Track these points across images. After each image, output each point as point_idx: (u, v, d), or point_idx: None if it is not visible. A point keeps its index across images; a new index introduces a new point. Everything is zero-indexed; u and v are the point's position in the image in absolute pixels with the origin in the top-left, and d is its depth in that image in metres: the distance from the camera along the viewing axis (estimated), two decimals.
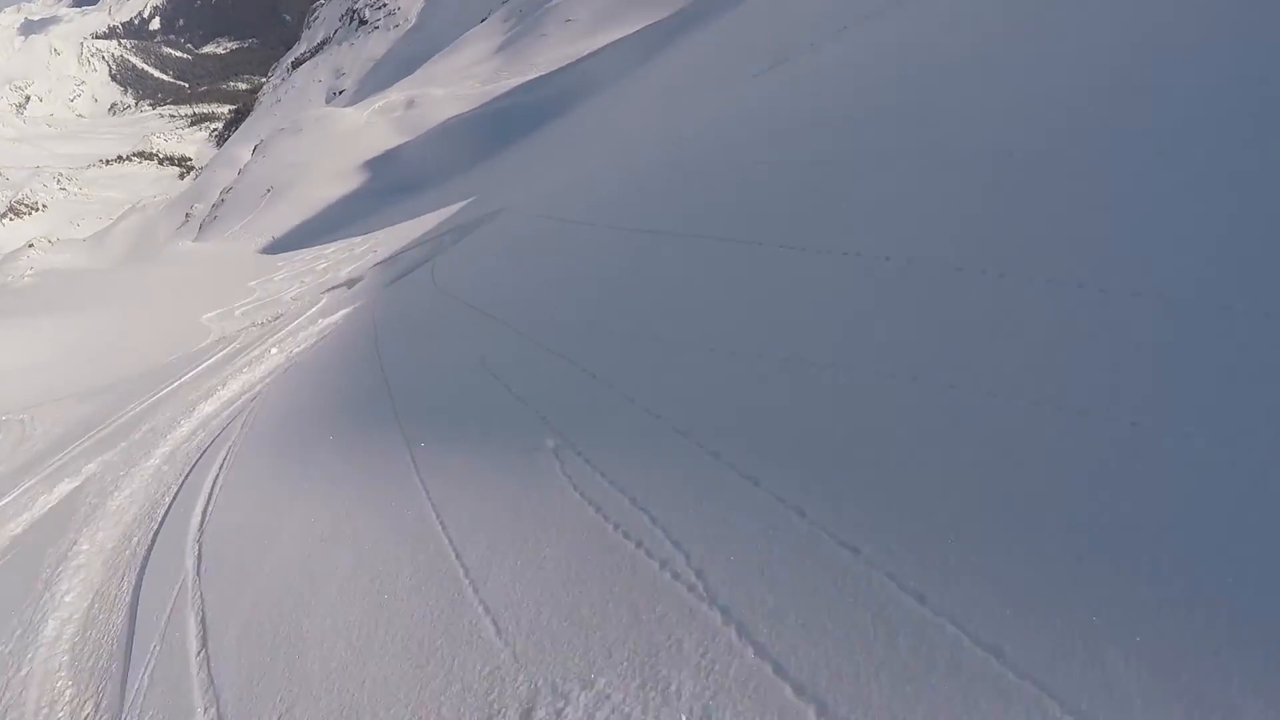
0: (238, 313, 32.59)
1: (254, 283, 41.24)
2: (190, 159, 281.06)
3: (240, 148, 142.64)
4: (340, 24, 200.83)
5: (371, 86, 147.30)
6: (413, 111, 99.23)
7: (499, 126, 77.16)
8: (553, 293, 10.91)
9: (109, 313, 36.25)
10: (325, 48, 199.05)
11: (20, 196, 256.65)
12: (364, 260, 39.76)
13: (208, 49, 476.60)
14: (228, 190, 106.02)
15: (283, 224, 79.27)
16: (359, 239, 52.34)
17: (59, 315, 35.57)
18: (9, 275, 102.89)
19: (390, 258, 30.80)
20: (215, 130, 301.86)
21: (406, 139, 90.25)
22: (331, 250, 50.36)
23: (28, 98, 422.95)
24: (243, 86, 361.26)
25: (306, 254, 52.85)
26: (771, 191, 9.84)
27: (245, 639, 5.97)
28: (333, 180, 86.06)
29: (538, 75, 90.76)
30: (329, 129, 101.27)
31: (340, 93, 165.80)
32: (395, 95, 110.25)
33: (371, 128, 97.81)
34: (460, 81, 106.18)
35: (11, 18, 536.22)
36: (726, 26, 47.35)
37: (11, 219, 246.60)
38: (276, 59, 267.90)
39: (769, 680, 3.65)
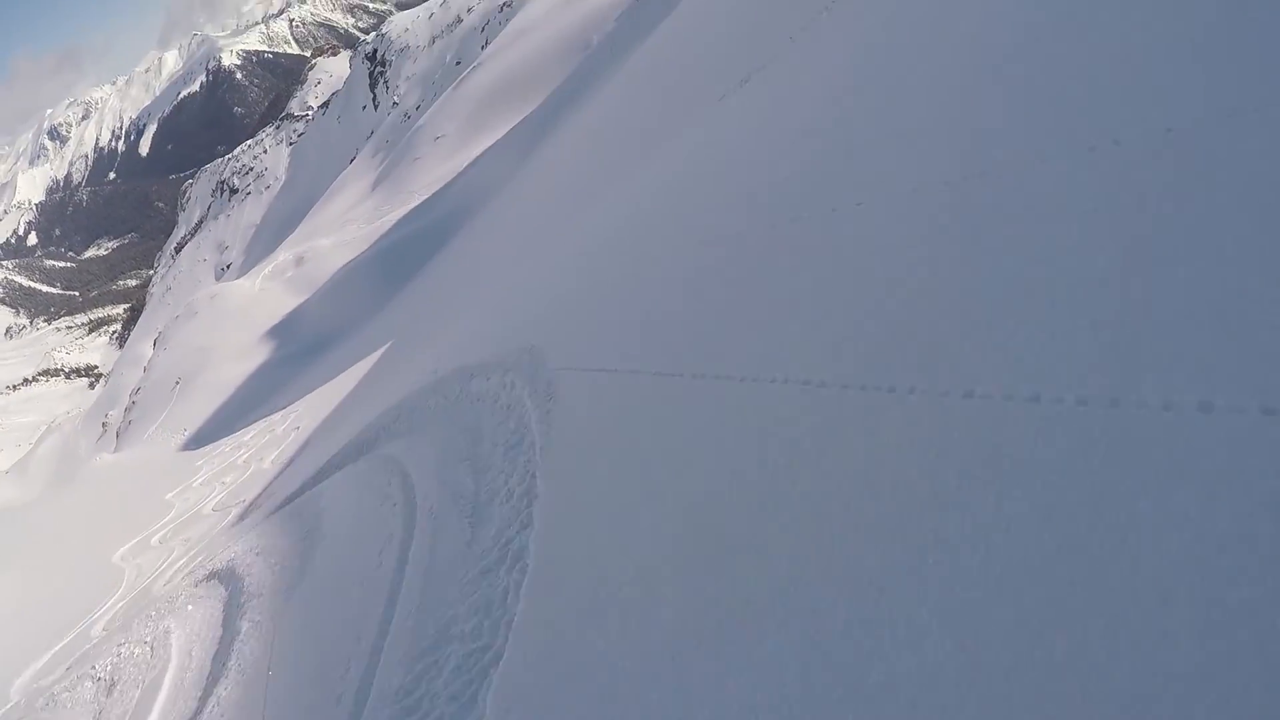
0: (154, 540, 30.55)
1: (171, 494, 38.93)
2: (96, 366, 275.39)
3: (142, 344, 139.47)
4: (213, 198, 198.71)
5: (258, 252, 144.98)
6: (303, 269, 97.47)
7: (394, 263, 75.48)
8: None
9: (8, 576, 33.58)
10: (203, 225, 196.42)
11: None
12: (287, 442, 37.84)
13: (89, 253, 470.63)
14: (136, 391, 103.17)
15: (198, 414, 76.91)
16: (279, 415, 50.26)
17: None
18: None
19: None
20: (115, 332, 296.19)
21: (304, 298, 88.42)
22: (251, 436, 48.11)
23: None
24: (133, 283, 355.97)
25: (226, 444, 50.60)
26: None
27: None
28: (239, 357, 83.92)
29: (421, 200, 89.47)
30: (224, 306, 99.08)
31: (228, 266, 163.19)
32: (283, 255, 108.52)
33: (266, 294, 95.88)
34: (343, 227, 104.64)
35: None
36: (600, 109, 46.05)
37: None
38: (159, 248, 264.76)
39: None
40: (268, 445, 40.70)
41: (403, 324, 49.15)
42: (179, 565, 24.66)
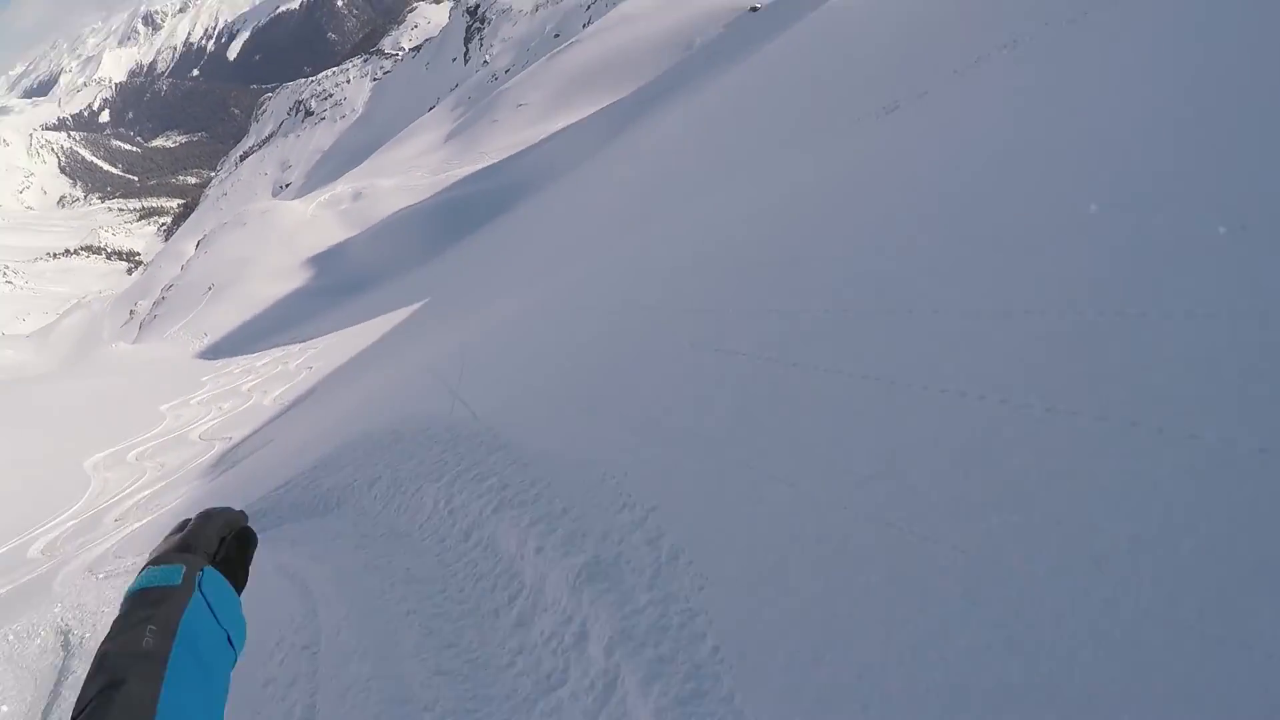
0: (131, 456, 29.22)
1: (167, 406, 37.53)
2: (138, 253, 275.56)
3: (185, 242, 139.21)
4: (287, 116, 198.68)
5: (318, 179, 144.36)
6: (360, 204, 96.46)
7: (451, 218, 74.23)
8: None
9: None
10: (272, 140, 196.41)
11: None
12: (295, 382, 36.49)
13: (157, 142, 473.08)
14: (169, 288, 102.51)
15: (223, 324, 75.98)
16: (298, 348, 48.99)
17: None
18: None
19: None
20: (164, 225, 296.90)
21: (353, 233, 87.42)
22: (264, 363, 46.77)
23: None
24: (192, 180, 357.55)
25: (237, 365, 49.33)
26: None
27: None
28: (276, 277, 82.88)
29: (490, 163, 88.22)
30: (273, 223, 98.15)
31: (286, 185, 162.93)
32: (342, 187, 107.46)
33: (317, 221, 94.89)
34: (409, 171, 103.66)
35: None
36: (702, 106, 44.28)
37: None
38: (225, 153, 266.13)
39: None
40: (276, 379, 39.40)
41: (444, 284, 47.67)
42: (140, 496, 23.34)
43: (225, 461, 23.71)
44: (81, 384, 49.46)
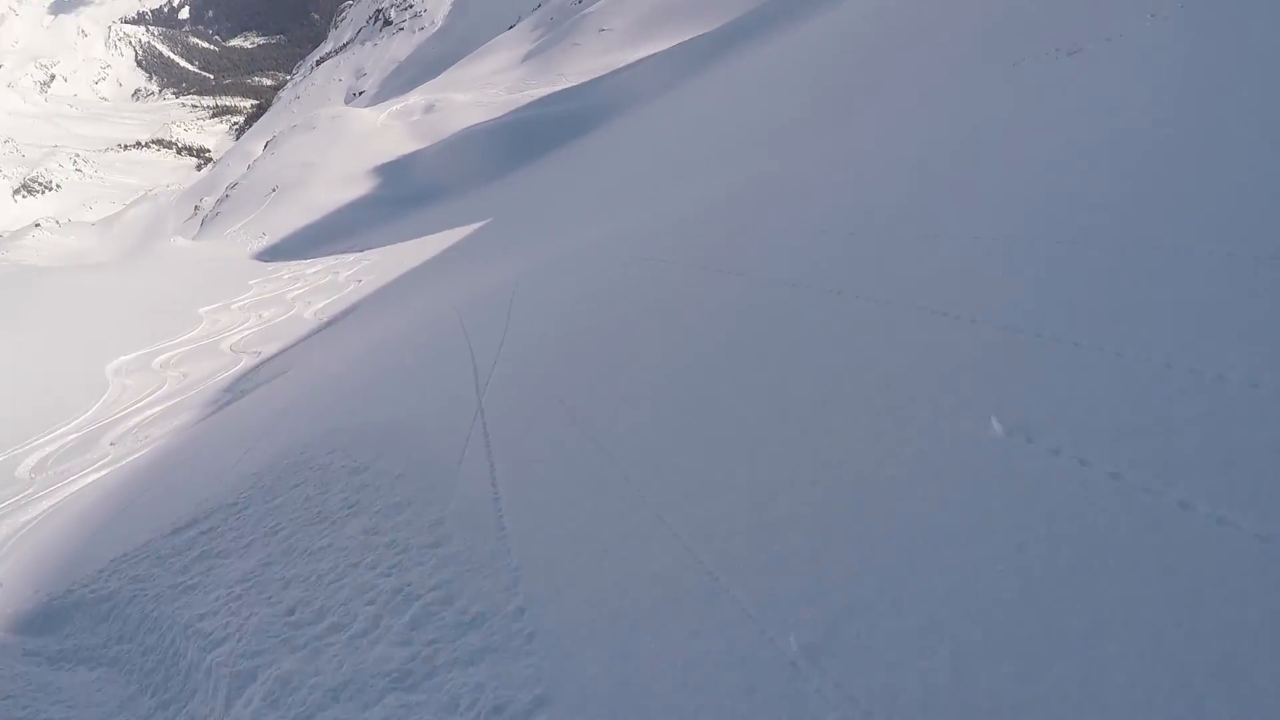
0: (156, 361, 27.72)
1: (207, 309, 35.94)
2: (209, 150, 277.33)
3: (255, 143, 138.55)
4: (366, 24, 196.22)
5: (392, 89, 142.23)
6: (432, 116, 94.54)
7: (523, 138, 72.00)
8: None
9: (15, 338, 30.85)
10: (348, 47, 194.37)
11: (35, 174, 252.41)
12: (342, 294, 34.75)
13: (234, 42, 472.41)
14: (233, 186, 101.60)
15: (282, 227, 74.67)
16: (351, 257, 47.26)
17: None
18: (11, 252, 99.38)
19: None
20: (235, 124, 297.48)
21: (422, 145, 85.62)
22: (315, 271, 45.12)
23: (52, 76, 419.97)
24: (267, 82, 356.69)
25: (288, 270, 47.65)
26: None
27: None
28: (340, 184, 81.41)
29: (568, 86, 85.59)
30: (343, 129, 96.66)
31: (360, 93, 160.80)
32: (415, 98, 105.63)
33: (387, 130, 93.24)
34: (484, 88, 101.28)
35: None
36: (794, 45, 41.18)
37: (24, 196, 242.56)
38: (302, 56, 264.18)
39: None
40: (323, 290, 37.72)
41: (508, 207, 45.61)
42: (147, 415, 21.76)
43: (235, 389, 22.13)
44: (128, 278, 48.11)
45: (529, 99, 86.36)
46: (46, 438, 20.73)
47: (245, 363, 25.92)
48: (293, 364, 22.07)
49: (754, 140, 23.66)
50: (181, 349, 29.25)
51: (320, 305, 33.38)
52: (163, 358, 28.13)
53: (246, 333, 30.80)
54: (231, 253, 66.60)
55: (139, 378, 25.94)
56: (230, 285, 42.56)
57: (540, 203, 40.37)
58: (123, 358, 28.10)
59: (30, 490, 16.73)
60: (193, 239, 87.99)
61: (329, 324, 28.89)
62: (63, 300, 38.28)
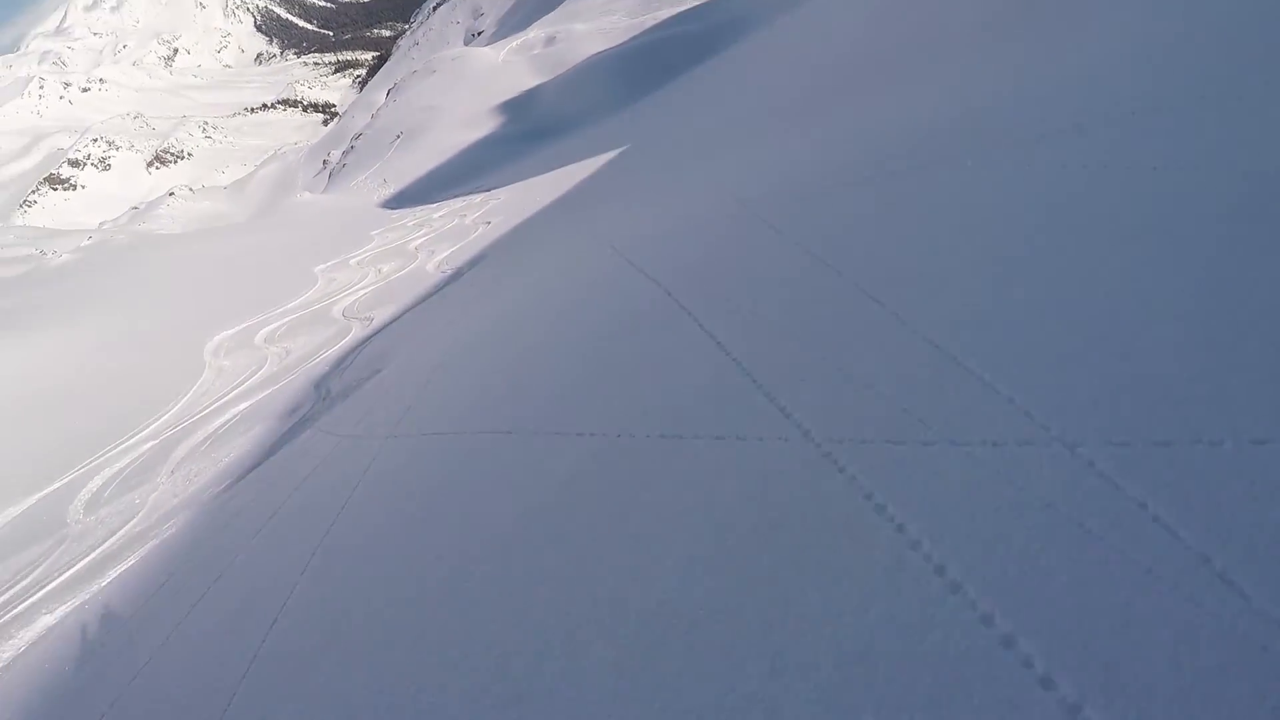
0: (260, 336, 25.09)
1: (323, 267, 33.22)
2: (334, 105, 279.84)
3: (377, 93, 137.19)
4: None
5: (510, 26, 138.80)
6: (552, 49, 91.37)
7: (652, 62, 68.34)
8: None
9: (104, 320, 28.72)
10: None
11: (166, 145, 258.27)
12: (470, 238, 31.54)
13: None
14: (358, 136, 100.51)
15: (410, 172, 72.83)
16: (479, 197, 44.31)
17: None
18: (147, 222, 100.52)
19: None
20: (358, 77, 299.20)
21: (545, 78, 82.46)
22: (441, 215, 42.23)
23: (175, 50, 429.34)
24: (385, 33, 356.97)
25: (413, 217, 44.85)
26: None
27: None
28: (465, 125, 79.19)
29: (693, 5, 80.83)
30: (463, 70, 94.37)
31: (479, 34, 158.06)
32: (535, 32, 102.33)
33: (508, 67, 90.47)
34: (604, 16, 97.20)
35: None
36: None
37: (158, 167, 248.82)
38: (419, 4, 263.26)
39: None
40: (448, 236, 34.88)
41: (639, 135, 41.90)
42: (241, 408, 18.90)
43: (312, 403, 18.83)
44: (248, 239, 46.20)
45: (653, 22, 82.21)
46: (113, 453, 17.88)
47: (356, 331, 22.93)
48: (394, 351, 19.34)
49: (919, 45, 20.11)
50: (290, 317, 26.51)
51: (445, 255, 30.32)
52: (268, 329, 25.46)
53: (362, 292, 27.86)
54: (357, 203, 64.99)
55: (238, 358, 23.36)
56: (351, 238, 40.06)
57: (668, 134, 36.70)
58: (226, 333, 25.57)
59: (74, 549, 13.81)
60: (321, 193, 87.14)
61: (453, 277, 25.65)
62: (179, 269, 36.43)
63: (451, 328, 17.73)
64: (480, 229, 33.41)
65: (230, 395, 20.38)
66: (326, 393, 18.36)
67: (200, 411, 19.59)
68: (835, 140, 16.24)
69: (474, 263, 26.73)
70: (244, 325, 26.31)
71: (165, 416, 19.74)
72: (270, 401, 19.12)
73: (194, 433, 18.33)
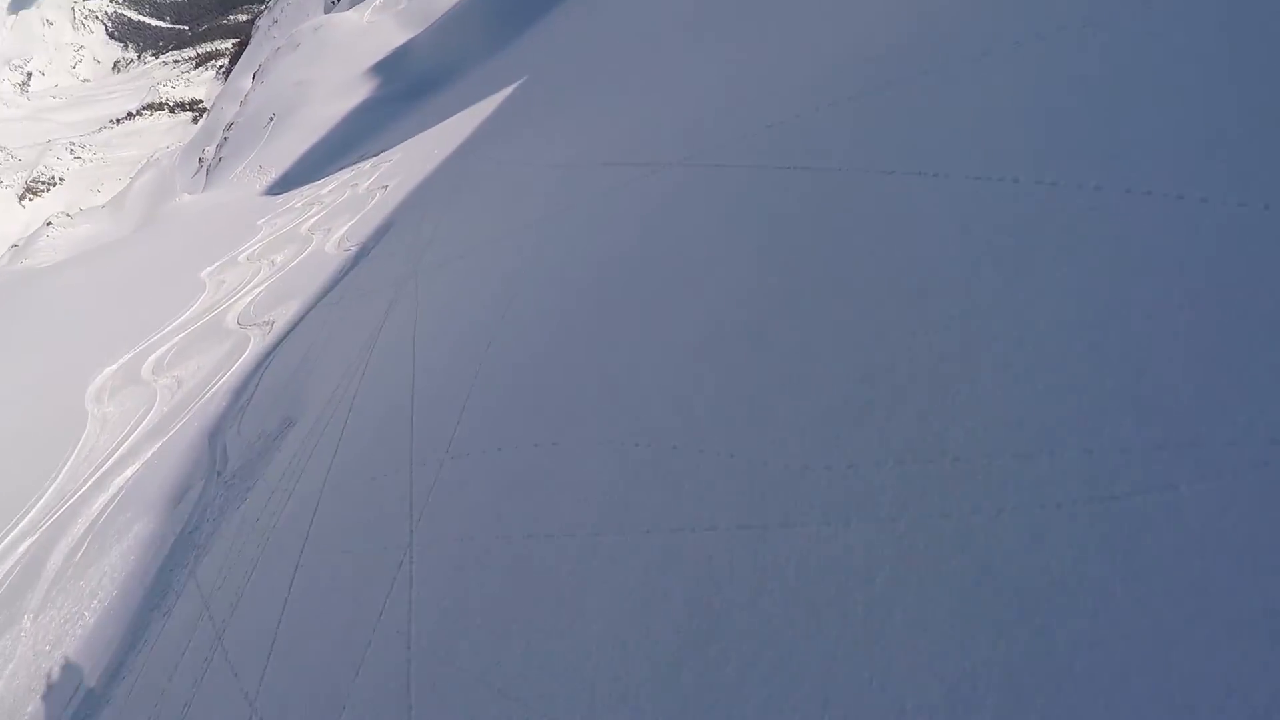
0: (147, 366, 21.76)
1: (209, 270, 29.60)
2: (200, 100, 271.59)
3: (243, 79, 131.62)
4: None
5: None
6: (418, 1, 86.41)
7: None
8: None
9: None
10: None
11: (35, 175, 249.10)
12: (368, 208, 28.03)
13: None
14: (229, 127, 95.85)
15: (288, 154, 69.11)
16: (368, 164, 40.58)
17: None
18: (29, 258, 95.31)
19: None
20: (222, 67, 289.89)
21: (415, 32, 78.38)
22: (330, 189, 38.58)
23: (29, 75, 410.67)
24: (243, 17, 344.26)
25: (300, 198, 41.23)
26: None
27: None
28: (338, 95, 75.40)
29: None
30: (328, 39, 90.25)
31: (338, 1, 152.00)
32: None
33: (375, 28, 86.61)
34: None
35: None
36: None
37: (31, 199, 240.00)
38: None
39: None
40: (343, 209, 31.29)
41: (529, 73, 38.53)
42: (128, 474, 15.52)
43: (223, 434, 15.68)
44: (124, 257, 42.13)
45: None
46: None
47: (255, 343, 19.43)
48: (305, 386, 15.86)
49: None
50: (180, 335, 22.92)
51: (343, 231, 26.85)
52: (156, 356, 22.05)
53: (257, 291, 24.28)
54: (239, 196, 61.26)
55: (124, 399, 20.06)
56: (236, 232, 36.46)
57: (557, 68, 33.49)
58: (109, 369, 22.03)
59: None
60: (201, 192, 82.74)
61: (361, 254, 22.26)
62: (55, 304, 32.59)
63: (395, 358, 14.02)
64: (377, 195, 29.92)
65: (116, 454, 17.00)
66: (224, 461, 15.03)
67: (82, 485, 16.21)
68: None
69: (381, 233, 23.41)
70: (129, 355, 22.89)
71: (42, 500, 16.34)
72: (156, 473, 15.74)
73: (70, 527, 14.96)
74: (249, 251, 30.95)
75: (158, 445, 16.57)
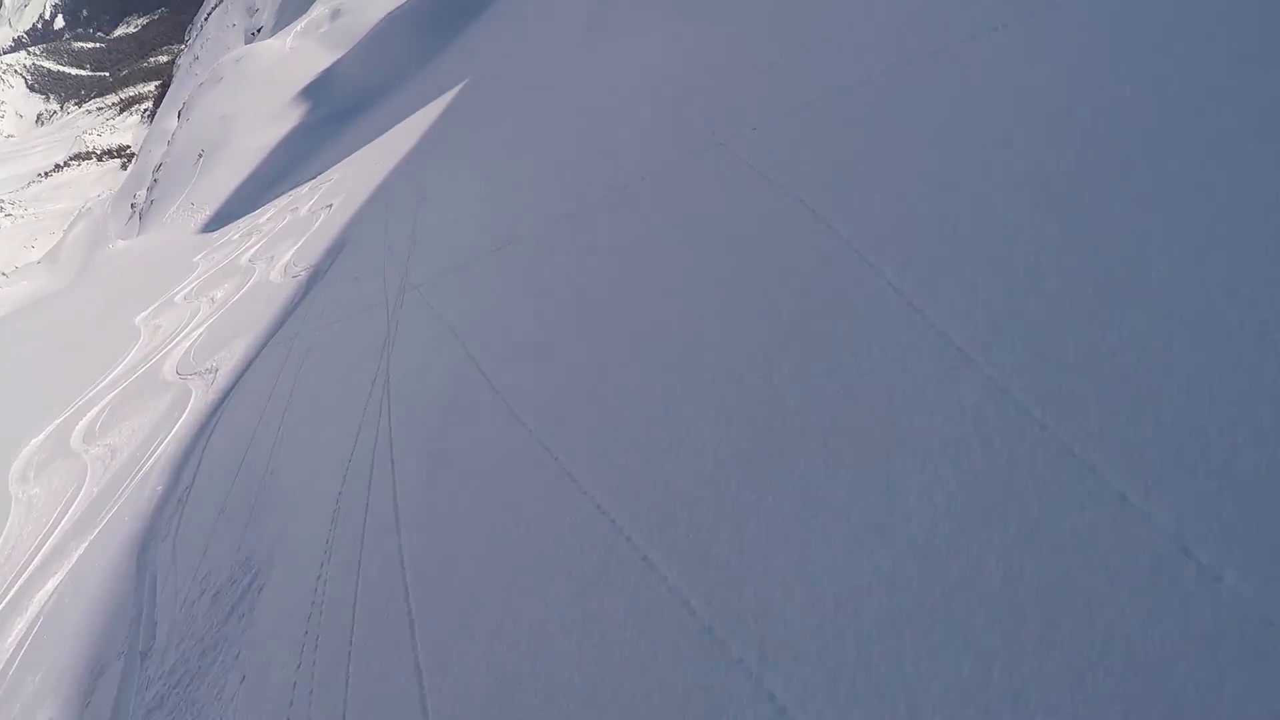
0: (77, 433, 19.55)
1: (143, 316, 27.61)
2: (128, 146, 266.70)
3: (168, 119, 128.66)
4: None
5: (291, 13, 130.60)
6: (341, 22, 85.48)
7: (447, 6, 62.50)
8: None
9: None
10: None
11: None
12: (312, 229, 26.16)
13: (119, 32, 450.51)
14: (158, 168, 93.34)
15: (221, 189, 67.18)
16: (306, 187, 38.75)
17: None
18: None
19: None
20: (146, 110, 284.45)
21: (340, 53, 76.21)
22: (269, 217, 36.70)
23: None
24: (164, 59, 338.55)
25: (237, 229, 39.23)
26: None
27: None
28: (266, 124, 73.59)
29: None
30: (251, 68, 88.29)
31: (258, 30, 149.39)
32: (318, 10, 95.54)
33: (298, 53, 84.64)
34: None
35: None
36: None
37: None
38: (190, 21, 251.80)
39: None
40: (285, 234, 29.41)
41: (462, 81, 36.97)
42: (47, 546, 13.67)
43: (152, 557, 13.16)
44: (50, 313, 39.88)
45: None
46: None
47: (198, 394, 17.41)
48: (272, 498, 11.91)
49: None
50: (113, 392, 20.85)
51: (288, 257, 24.99)
52: (86, 420, 19.93)
53: (196, 334, 22.24)
54: (173, 236, 59.07)
55: (51, 477, 18.10)
56: (172, 272, 34.56)
57: (487, 75, 32.01)
58: (36, 440, 20.08)
59: None
60: (136, 236, 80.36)
61: (310, 282, 20.40)
62: None
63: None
64: (322, 215, 28.05)
65: (39, 556, 15.03)
66: (149, 635, 11.39)
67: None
68: None
69: (334, 252, 21.57)
70: (58, 422, 20.91)
71: None
72: (74, 610, 13.46)
73: None
74: (187, 290, 29.02)
75: (83, 547, 14.63)
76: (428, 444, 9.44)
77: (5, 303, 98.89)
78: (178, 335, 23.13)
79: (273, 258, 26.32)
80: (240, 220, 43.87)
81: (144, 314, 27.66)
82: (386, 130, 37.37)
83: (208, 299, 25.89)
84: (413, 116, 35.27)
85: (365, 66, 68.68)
